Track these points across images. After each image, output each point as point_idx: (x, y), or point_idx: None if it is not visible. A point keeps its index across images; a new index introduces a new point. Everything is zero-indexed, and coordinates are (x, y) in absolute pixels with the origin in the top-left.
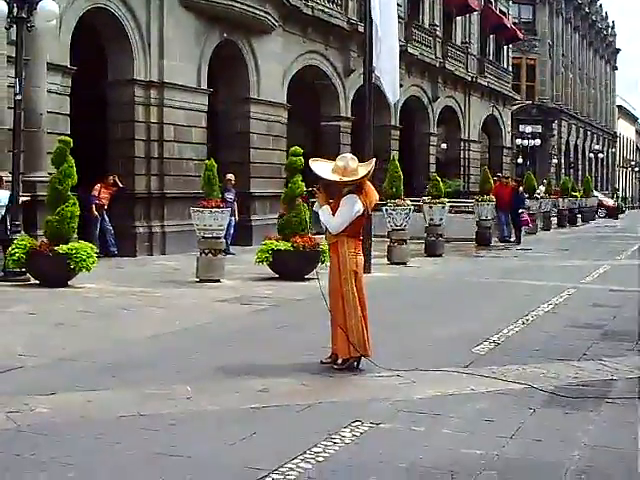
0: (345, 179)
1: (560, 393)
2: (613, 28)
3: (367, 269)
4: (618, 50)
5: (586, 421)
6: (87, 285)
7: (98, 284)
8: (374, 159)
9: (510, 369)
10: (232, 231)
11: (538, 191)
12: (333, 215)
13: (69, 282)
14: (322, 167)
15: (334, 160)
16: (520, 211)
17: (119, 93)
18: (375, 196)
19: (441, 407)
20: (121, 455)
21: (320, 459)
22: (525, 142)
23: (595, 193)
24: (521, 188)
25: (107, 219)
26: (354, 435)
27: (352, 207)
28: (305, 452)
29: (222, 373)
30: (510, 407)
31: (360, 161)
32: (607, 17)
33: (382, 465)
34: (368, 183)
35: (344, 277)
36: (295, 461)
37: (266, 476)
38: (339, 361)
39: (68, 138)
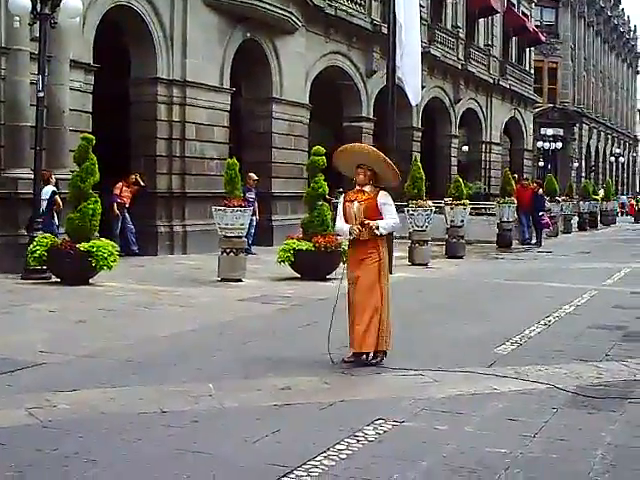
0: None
1: (583, 393)
2: (635, 32)
3: (389, 270)
4: None
5: (609, 421)
6: (108, 283)
7: (119, 282)
8: None
9: (532, 369)
10: (253, 231)
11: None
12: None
13: (90, 280)
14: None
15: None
16: (540, 214)
17: (142, 91)
18: None
19: (464, 406)
20: (143, 451)
21: (343, 456)
22: (546, 145)
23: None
24: (540, 190)
25: (128, 218)
26: (377, 433)
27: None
28: (328, 449)
29: (244, 371)
30: (533, 407)
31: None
32: (629, 21)
33: (405, 463)
34: None
35: (383, 273)
36: (318, 458)
37: (290, 473)
38: (370, 355)
39: (90, 136)
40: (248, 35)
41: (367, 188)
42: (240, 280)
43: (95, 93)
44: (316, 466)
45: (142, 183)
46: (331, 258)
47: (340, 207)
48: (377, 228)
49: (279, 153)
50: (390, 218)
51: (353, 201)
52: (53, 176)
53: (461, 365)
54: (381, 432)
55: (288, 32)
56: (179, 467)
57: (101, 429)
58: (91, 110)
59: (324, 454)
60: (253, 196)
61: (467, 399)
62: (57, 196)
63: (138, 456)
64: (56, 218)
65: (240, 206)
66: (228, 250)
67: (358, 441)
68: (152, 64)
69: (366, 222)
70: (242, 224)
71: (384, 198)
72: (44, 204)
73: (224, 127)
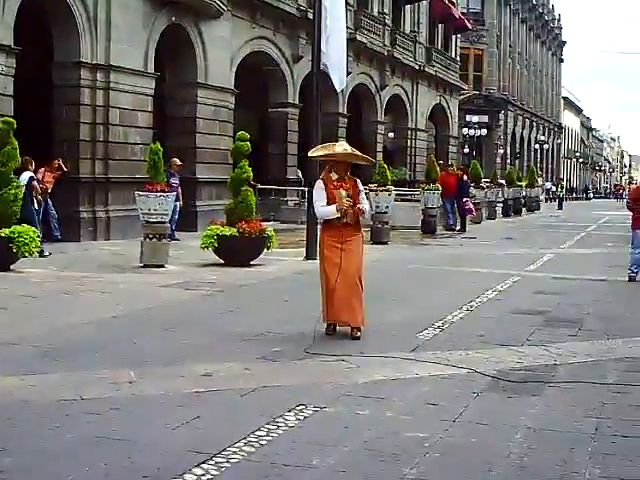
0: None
1: (503, 378)
2: (559, 21)
3: (314, 255)
4: (564, 42)
5: (529, 405)
6: (30, 270)
7: (41, 269)
8: None
9: (454, 354)
10: (177, 216)
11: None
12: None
13: (11, 266)
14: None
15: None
16: (465, 200)
17: (65, 75)
18: None
19: (385, 391)
20: (62, 439)
21: (263, 442)
22: (472, 132)
23: (547, 184)
24: (465, 177)
25: (51, 203)
26: (298, 419)
27: None
28: (248, 436)
29: (165, 358)
30: (454, 391)
31: (307, 149)
32: (554, 10)
33: (326, 448)
34: None
35: (362, 254)
36: (238, 444)
37: (209, 459)
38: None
39: (11, 119)
40: (173, 19)
41: (346, 177)
42: (163, 266)
43: (17, 76)
44: (236, 452)
45: (65, 168)
46: (255, 244)
47: (321, 192)
48: (363, 213)
49: (204, 138)
50: (367, 205)
51: (339, 188)
52: (33, 163)
53: (383, 350)
54: (302, 418)
55: (213, 16)
56: (98, 454)
57: (19, 417)
58: (12, 94)
59: (244, 440)
60: (177, 181)
61: (389, 384)
62: (34, 182)
63: (56, 444)
64: (35, 204)
65: (163, 191)
66: (151, 236)
67: (278, 427)
68: (75, 47)
69: (356, 206)
70: (165, 209)
71: (361, 186)
72: (22, 190)
73: (148, 112)
